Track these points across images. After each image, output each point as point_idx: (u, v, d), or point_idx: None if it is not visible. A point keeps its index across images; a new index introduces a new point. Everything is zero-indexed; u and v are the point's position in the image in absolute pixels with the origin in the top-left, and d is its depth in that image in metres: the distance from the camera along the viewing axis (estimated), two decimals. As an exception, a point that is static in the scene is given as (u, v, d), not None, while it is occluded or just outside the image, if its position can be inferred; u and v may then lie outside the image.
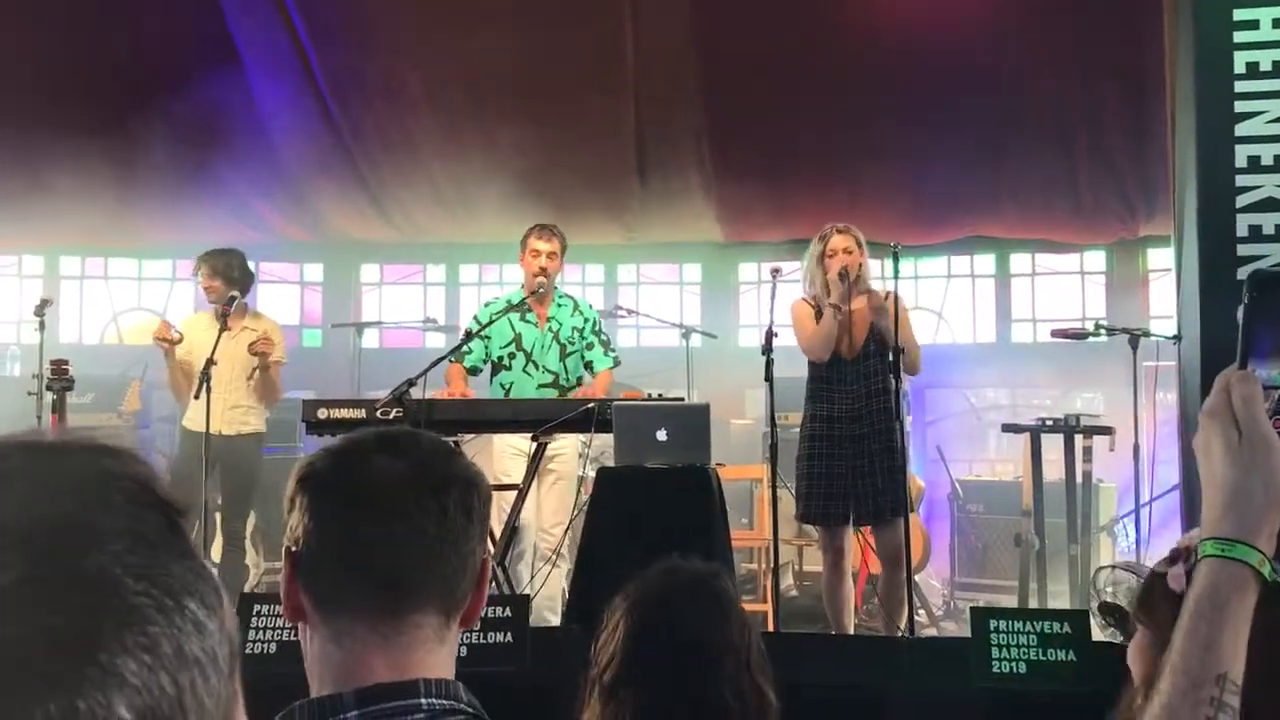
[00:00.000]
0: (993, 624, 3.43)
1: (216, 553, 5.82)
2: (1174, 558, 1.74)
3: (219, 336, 5.23)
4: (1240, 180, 4.13)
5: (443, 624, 1.26)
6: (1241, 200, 4.13)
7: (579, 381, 5.24)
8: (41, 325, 5.50)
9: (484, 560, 1.30)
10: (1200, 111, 4.21)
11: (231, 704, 0.56)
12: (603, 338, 5.35)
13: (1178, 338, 4.46)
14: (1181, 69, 4.37)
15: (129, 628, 0.50)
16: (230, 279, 5.62)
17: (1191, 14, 4.27)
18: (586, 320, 5.31)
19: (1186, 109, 4.31)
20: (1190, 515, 4.28)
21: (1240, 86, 4.15)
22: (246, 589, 5.79)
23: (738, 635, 1.72)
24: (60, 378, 4.76)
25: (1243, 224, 4.12)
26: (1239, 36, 4.17)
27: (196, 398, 5.18)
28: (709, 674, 1.66)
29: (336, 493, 1.23)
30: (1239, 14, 4.17)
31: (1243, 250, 4.08)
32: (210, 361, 5.09)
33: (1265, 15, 4.16)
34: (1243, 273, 4.03)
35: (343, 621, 1.20)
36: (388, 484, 1.22)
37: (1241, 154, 4.14)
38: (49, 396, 4.83)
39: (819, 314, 4.70)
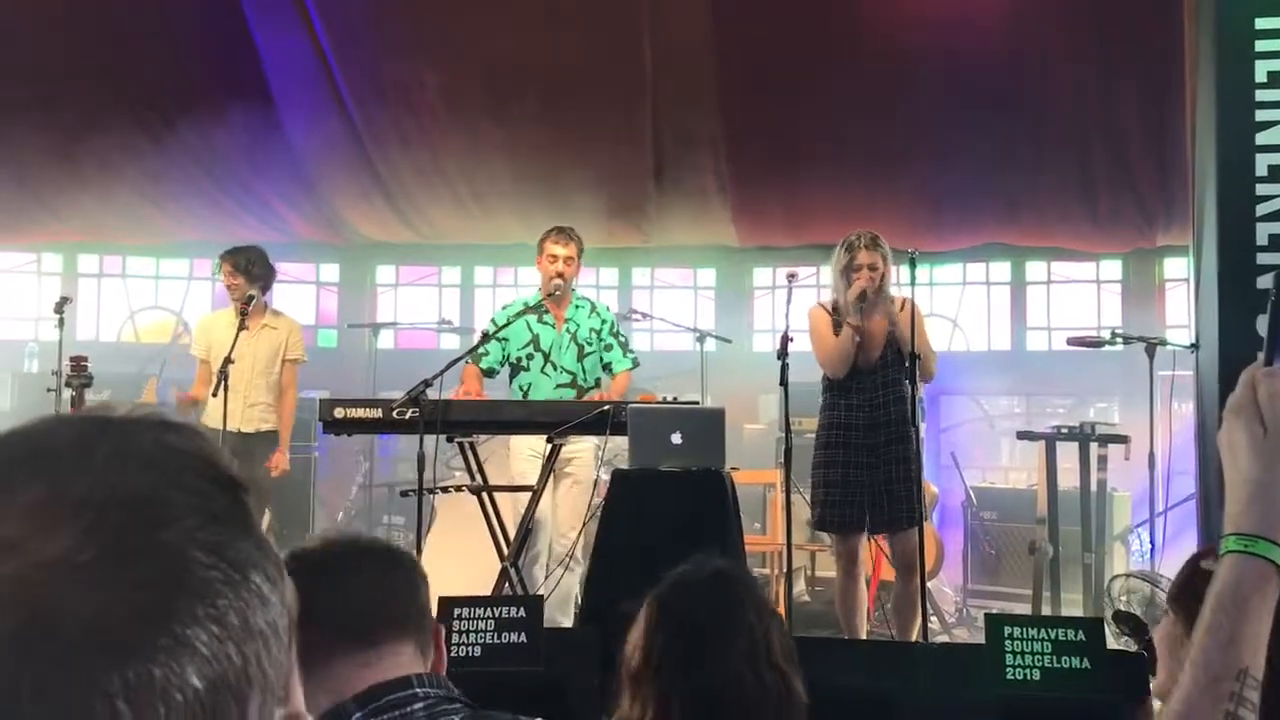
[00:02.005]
0: (1007, 631, 3.42)
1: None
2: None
3: (237, 335, 5.27)
4: (1260, 189, 4.12)
5: (418, 652, 1.42)
6: (1261, 209, 4.12)
7: (597, 383, 5.25)
8: (60, 322, 5.54)
9: (436, 628, 1.51)
10: (1221, 120, 4.20)
11: (289, 675, 0.58)
12: (621, 339, 5.36)
13: (1195, 346, 4.44)
14: (1202, 77, 4.35)
15: (200, 600, 0.52)
16: (251, 275, 5.65)
17: (1213, 22, 4.26)
18: (604, 322, 5.32)
19: (1207, 117, 4.29)
20: (1206, 525, 4.26)
21: (1261, 95, 4.14)
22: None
23: (754, 619, 1.73)
24: (79, 374, 4.81)
25: (1262, 233, 4.11)
26: (1261, 45, 4.16)
27: (215, 395, 5.21)
28: (720, 658, 1.68)
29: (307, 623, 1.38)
30: (1260, 23, 4.16)
31: (1262, 259, 4.07)
32: (228, 360, 5.13)
33: (1287, 24, 4.15)
34: (1263, 281, 4.01)
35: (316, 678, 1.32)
36: (364, 609, 1.42)
37: (1262, 163, 4.12)
38: (67, 393, 4.87)
39: (837, 324, 4.68)
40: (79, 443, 0.56)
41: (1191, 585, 1.74)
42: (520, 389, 5.19)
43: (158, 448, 0.57)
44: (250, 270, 5.65)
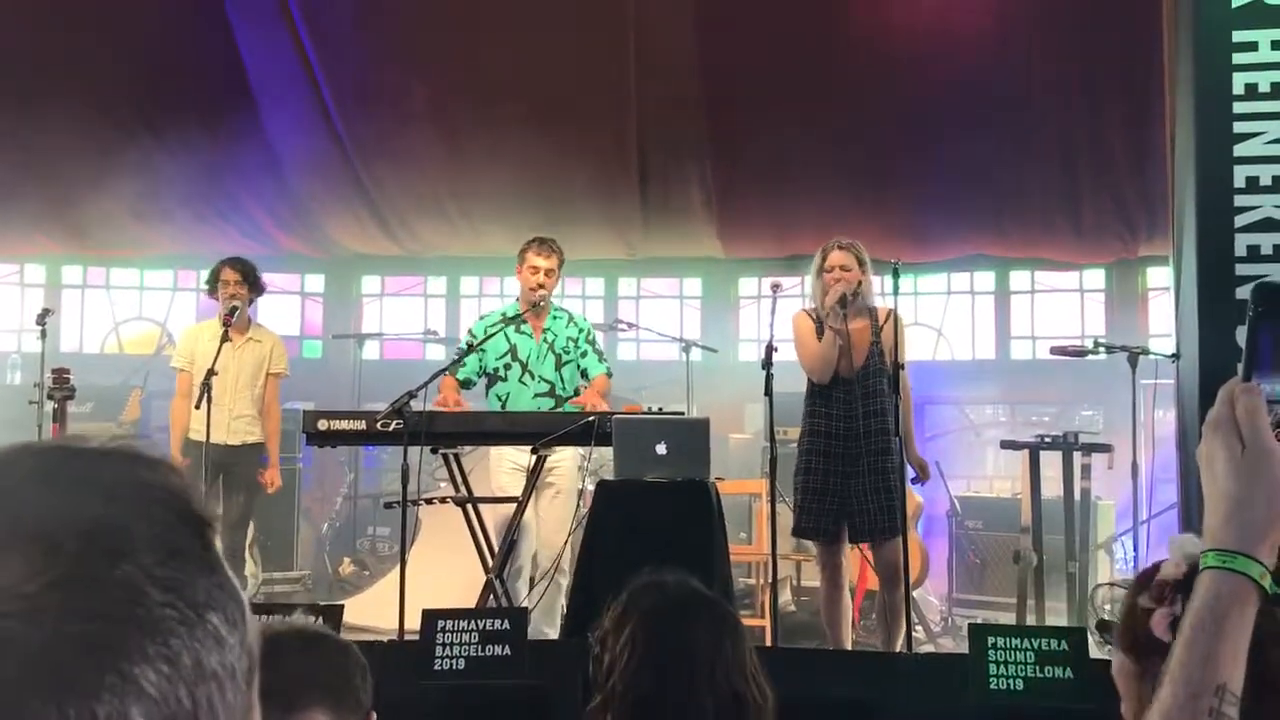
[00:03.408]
0: (991, 641, 3.43)
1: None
2: (1159, 595, 1.70)
3: (220, 347, 5.25)
4: (1239, 200, 4.15)
5: None
6: (1240, 220, 4.15)
7: (576, 392, 5.24)
8: (43, 334, 5.51)
9: (369, 713, 1.61)
10: (1199, 132, 4.23)
11: (247, 715, 0.57)
12: (596, 347, 5.36)
13: (1176, 356, 4.47)
14: (1181, 90, 4.39)
15: (151, 638, 0.51)
16: (254, 285, 5.68)
17: (1191, 35, 4.30)
18: (580, 330, 5.32)
19: (1186, 129, 4.33)
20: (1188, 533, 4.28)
21: (1239, 108, 4.18)
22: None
23: (738, 650, 1.77)
24: (61, 386, 4.78)
25: (1241, 244, 4.14)
26: (1238, 58, 4.19)
27: (197, 408, 5.19)
28: (699, 682, 1.73)
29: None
30: (1238, 36, 4.20)
31: (1241, 270, 4.10)
32: (211, 372, 5.10)
33: (1264, 37, 4.19)
34: (1241, 292, 4.05)
35: None
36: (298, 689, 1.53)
37: (1240, 174, 4.16)
38: (50, 405, 4.84)
39: (819, 328, 4.69)
40: (40, 472, 0.55)
41: (1131, 625, 1.73)
42: (498, 399, 5.18)
43: (124, 480, 0.56)
44: (254, 279, 5.68)
